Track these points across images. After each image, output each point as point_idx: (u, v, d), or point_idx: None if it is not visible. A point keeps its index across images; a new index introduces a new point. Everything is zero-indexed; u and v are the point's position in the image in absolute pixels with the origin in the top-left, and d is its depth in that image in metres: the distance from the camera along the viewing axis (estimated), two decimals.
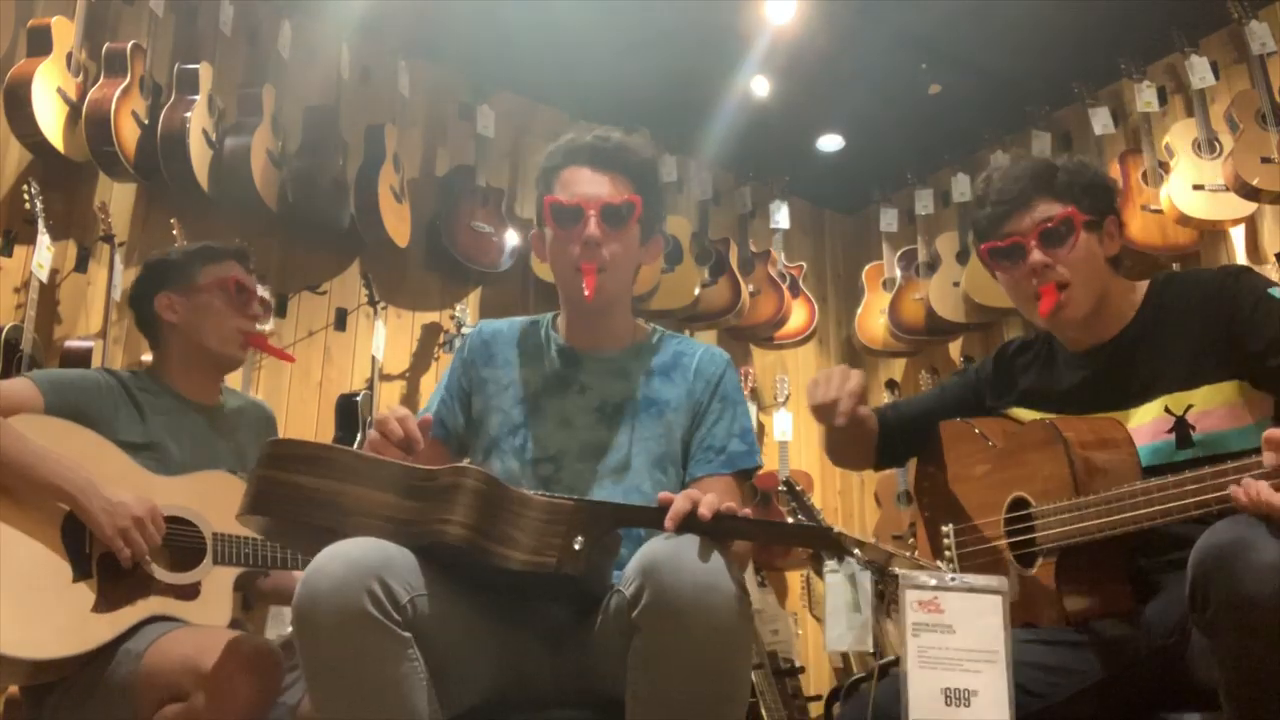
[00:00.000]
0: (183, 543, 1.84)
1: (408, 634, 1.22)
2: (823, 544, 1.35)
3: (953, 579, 1.15)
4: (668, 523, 1.26)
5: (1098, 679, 1.44)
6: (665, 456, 1.63)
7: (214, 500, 1.86)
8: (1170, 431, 1.53)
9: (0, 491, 1.69)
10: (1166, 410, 1.54)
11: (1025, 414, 1.73)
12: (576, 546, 1.25)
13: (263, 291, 2.15)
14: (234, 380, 3.06)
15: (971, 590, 1.14)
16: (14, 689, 1.84)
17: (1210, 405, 1.51)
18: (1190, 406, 1.52)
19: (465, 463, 1.72)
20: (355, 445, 3.20)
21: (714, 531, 1.26)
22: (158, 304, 2.02)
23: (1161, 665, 1.41)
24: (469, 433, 1.71)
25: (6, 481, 1.69)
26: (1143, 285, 1.68)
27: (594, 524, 1.28)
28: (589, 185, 1.64)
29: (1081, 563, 1.46)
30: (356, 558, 1.21)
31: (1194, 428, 1.52)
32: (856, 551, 1.24)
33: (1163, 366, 1.57)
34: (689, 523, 1.26)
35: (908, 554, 1.25)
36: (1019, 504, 1.58)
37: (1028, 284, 1.63)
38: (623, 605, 1.25)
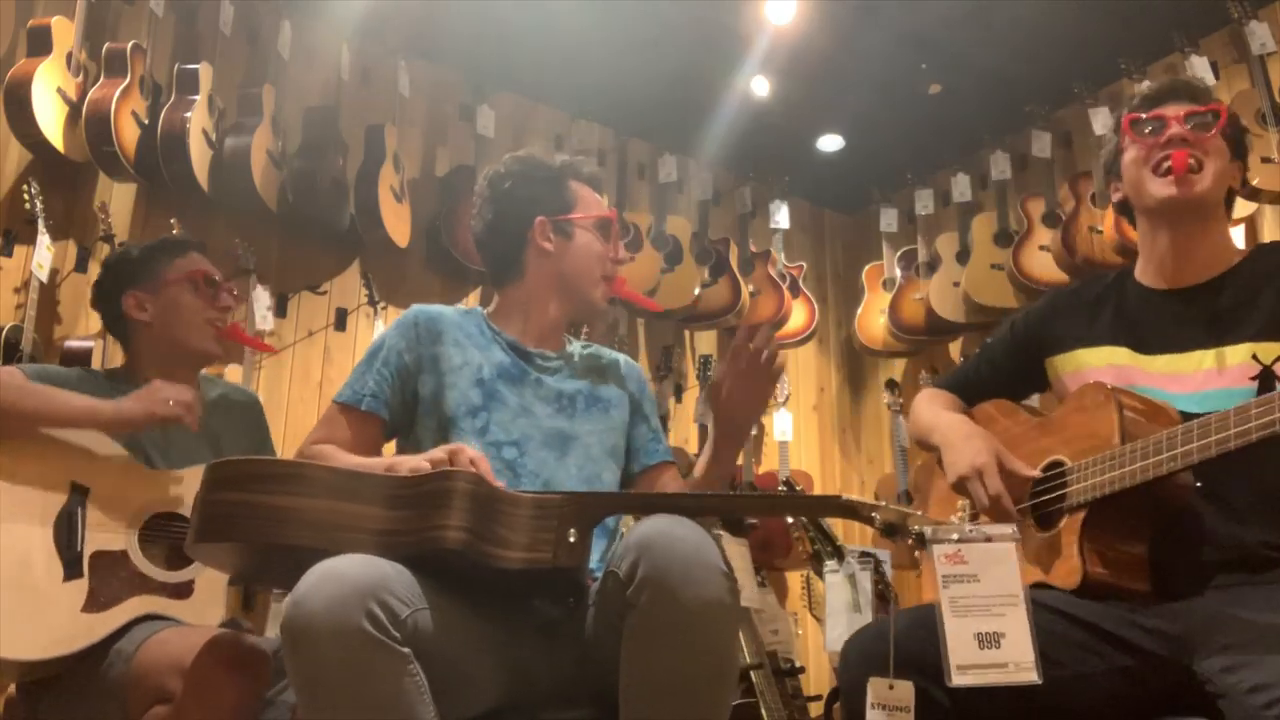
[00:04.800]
0: (179, 540, 1.83)
1: (407, 649, 1.21)
2: (835, 511, 1.38)
3: (970, 530, 1.25)
4: None
5: (1120, 664, 1.42)
6: (615, 448, 1.76)
7: None
8: (1254, 379, 1.51)
9: None
10: (1254, 358, 1.52)
11: (1092, 355, 1.69)
12: (571, 539, 1.27)
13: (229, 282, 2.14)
14: (234, 378, 3.06)
15: (987, 539, 1.24)
16: (12, 689, 1.84)
17: None
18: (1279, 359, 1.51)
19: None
20: None
21: (728, 509, 1.29)
22: (125, 304, 1.99)
23: (1179, 674, 1.38)
24: (406, 411, 1.69)
25: (24, 431, 1.73)
26: (1245, 248, 1.69)
27: (584, 515, 1.30)
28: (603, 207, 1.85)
29: (1107, 522, 1.47)
30: (352, 575, 1.18)
31: None
32: (874, 515, 1.29)
33: (1254, 314, 1.56)
34: (680, 506, 1.32)
35: (920, 513, 1.30)
36: (1054, 466, 1.58)
37: (1157, 152, 1.64)
38: (617, 585, 1.26)
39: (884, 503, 1.30)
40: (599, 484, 1.68)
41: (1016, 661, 1.19)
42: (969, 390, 1.87)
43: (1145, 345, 1.64)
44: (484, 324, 1.78)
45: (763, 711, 3.24)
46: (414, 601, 1.23)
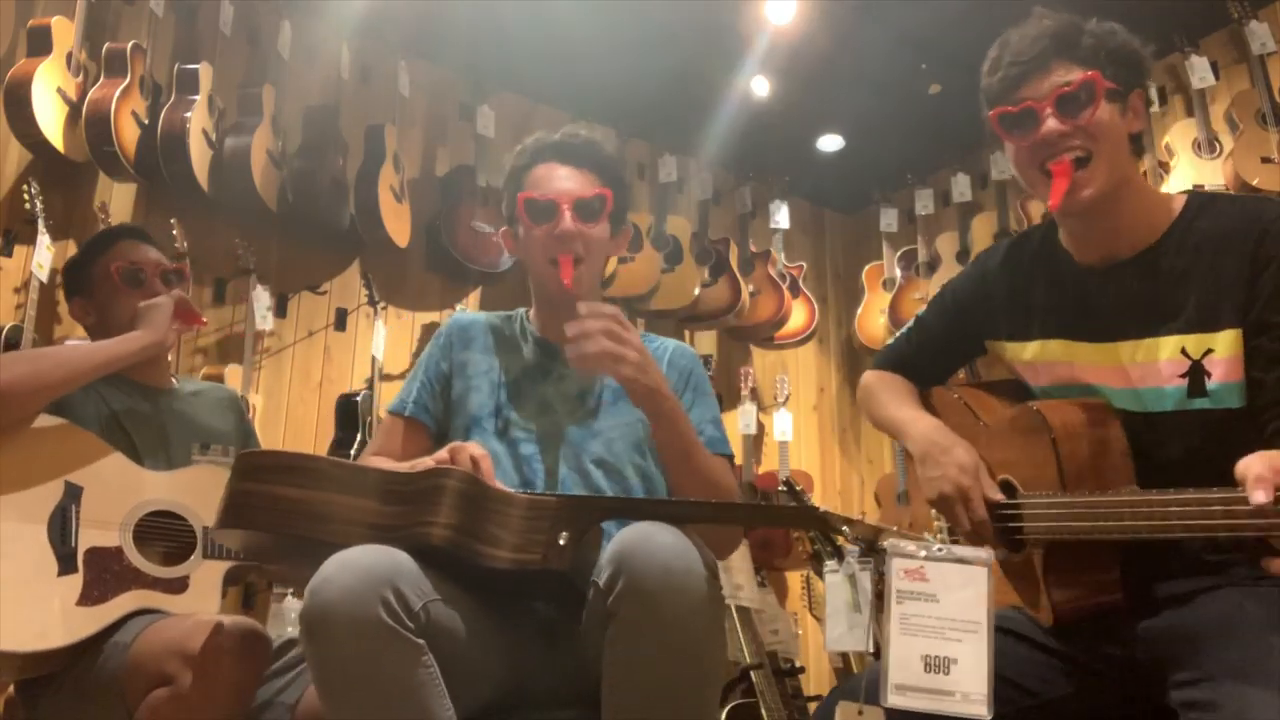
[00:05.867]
0: (173, 537, 1.84)
1: (421, 640, 1.22)
2: (810, 524, 1.36)
3: (940, 549, 1.16)
4: None
5: (1089, 688, 1.41)
6: (643, 441, 1.69)
7: (205, 494, 1.87)
8: (1183, 376, 1.39)
9: None
10: (1183, 352, 1.39)
11: (1024, 349, 1.59)
12: (561, 542, 1.26)
13: (172, 261, 2.13)
14: (234, 378, 3.07)
15: (958, 561, 1.15)
16: (11, 689, 1.84)
17: (1231, 352, 1.36)
18: (1210, 351, 1.37)
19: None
20: (355, 445, 3.20)
21: (707, 517, 1.28)
22: (73, 312, 2.07)
23: (1151, 702, 1.36)
24: (447, 416, 1.73)
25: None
26: (1177, 201, 1.48)
27: (577, 519, 1.29)
28: (561, 181, 1.70)
29: (1069, 556, 1.41)
30: (367, 566, 1.20)
31: (1209, 375, 1.37)
32: (845, 529, 1.26)
33: (1184, 300, 1.40)
34: (662, 513, 1.30)
35: (895, 528, 1.25)
36: (1006, 487, 1.52)
37: (1040, 155, 1.45)
38: (598, 595, 1.26)
39: (860, 516, 1.26)
40: (621, 481, 1.64)
41: (966, 692, 1.10)
42: (915, 371, 1.76)
43: (1077, 332, 1.52)
44: (523, 324, 1.80)
45: (763, 711, 3.25)
46: (426, 592, 1.25)
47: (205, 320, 2.13)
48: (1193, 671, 1.29)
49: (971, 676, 1.10)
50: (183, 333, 2.04)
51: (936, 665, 1.11)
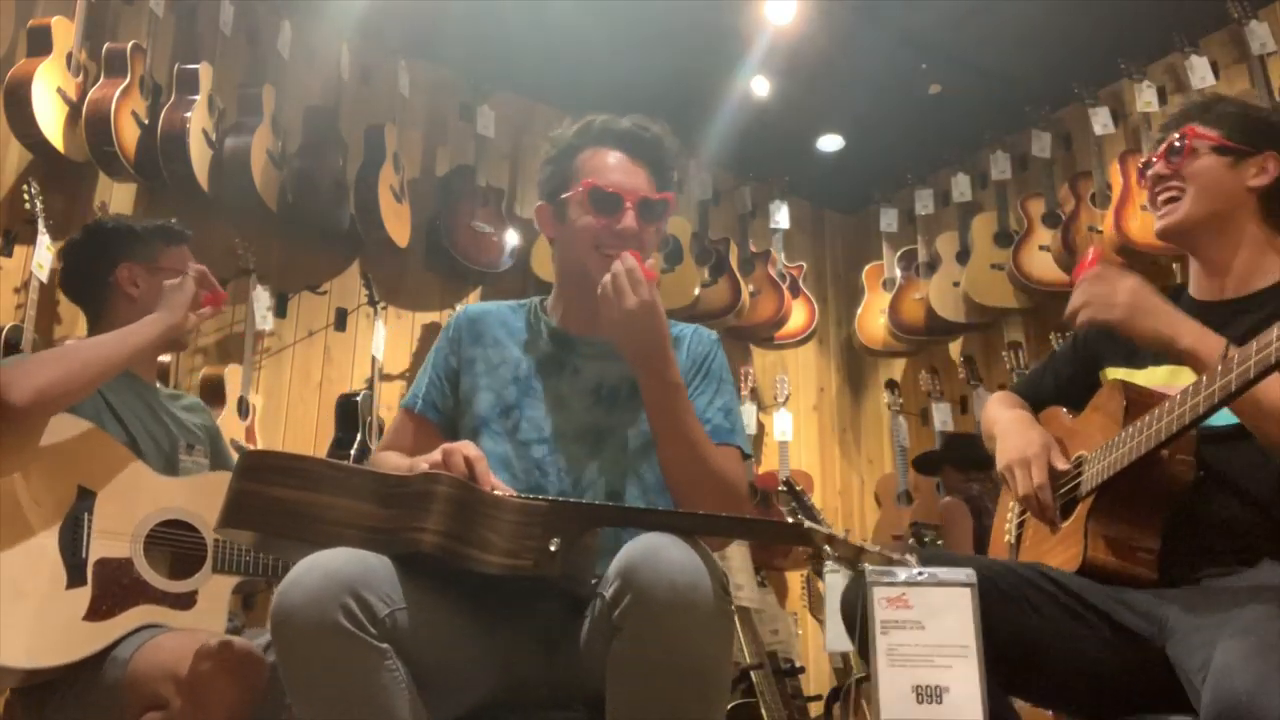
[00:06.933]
0: (184, 548, 1.82)
1: (385, 645, 1.21)
2: (793, 538, 1.34)
3: (920, 574, 1.13)
4: None
5: (1102, 635, 1.42)
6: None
7: (218, 504, 1.84)
8: None
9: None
10: None
11: (1135, 375, 1.67)
12: (552, 548, 1.24)
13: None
14: (234, 378, 3.07)
15: (940, 584, 1.12)
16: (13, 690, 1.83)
17: None
18: None
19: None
20: (355, 445, 3.20)
21: (690, 529, 1.26)
22: (119, 274, 1.94)
23: (1158, 656, 1.37)
24: (457, 413, 1.68)
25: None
26: None
27: (569, 525, 1.27)
28: (627, 175, 1.63)
29: (1113, 508, 1.47)
30: (333, 570, 1.19)
31: None
32: (826, 548, 1.24)
33: None
34: (666, 523, 1.27)
35: (877, 549, 1.24)
36: (1079, 462, 1.59)
37: (1149, 196, 1.70)
38: (604, 608, 1.24)
39: (844, 534, 1.24)
40: (634, 480, 1.57)
41: None
42: (1035, 396, 1.85)
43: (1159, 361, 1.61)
44: (537, 314, 1.72)
45: (763, 711, 3.25)
46: (394, 599, 1.23)
47: (226, 295, 2.08)
48: (1194, 620, 1.33)
49: (965, 703, 1.08)
50: (212, 316, 1.98)
51: (929, 695, 1.08)
